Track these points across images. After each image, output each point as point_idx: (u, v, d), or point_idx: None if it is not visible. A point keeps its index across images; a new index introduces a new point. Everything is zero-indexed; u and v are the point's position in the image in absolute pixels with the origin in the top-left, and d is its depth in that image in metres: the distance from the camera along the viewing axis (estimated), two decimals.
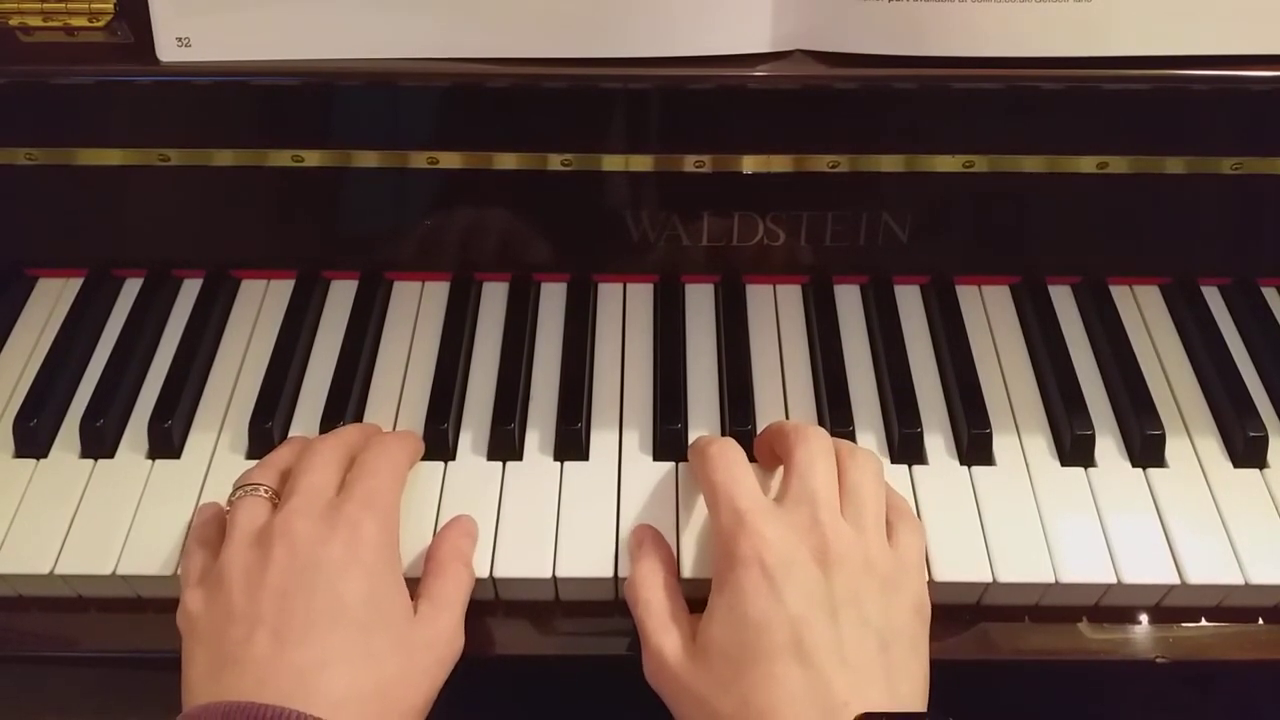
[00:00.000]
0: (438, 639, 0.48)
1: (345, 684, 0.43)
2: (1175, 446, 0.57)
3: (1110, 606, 0.53)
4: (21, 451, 0.57)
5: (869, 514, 0.48)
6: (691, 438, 0.57)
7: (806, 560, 0.46)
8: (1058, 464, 0.57)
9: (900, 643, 0.45)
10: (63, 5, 0.54)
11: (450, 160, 0.59)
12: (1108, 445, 0.58)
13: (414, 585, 0.50)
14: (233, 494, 0.51)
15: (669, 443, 0.57)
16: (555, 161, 0.59)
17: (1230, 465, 0.57)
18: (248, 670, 0.43)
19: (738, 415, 0.58)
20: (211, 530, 0.51)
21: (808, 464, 0.49)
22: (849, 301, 0.65)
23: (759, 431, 0.56)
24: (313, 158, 0.59)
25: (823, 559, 0.46)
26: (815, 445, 0.50)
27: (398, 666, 0.45)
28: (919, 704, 0.45)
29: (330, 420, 0.58)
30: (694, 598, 0.49)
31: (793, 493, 0.48)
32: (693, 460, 0.53)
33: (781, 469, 0.51)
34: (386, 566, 0.48)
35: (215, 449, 0.58)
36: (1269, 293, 0.65)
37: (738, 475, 0.49)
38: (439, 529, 0.53)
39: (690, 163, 0.59)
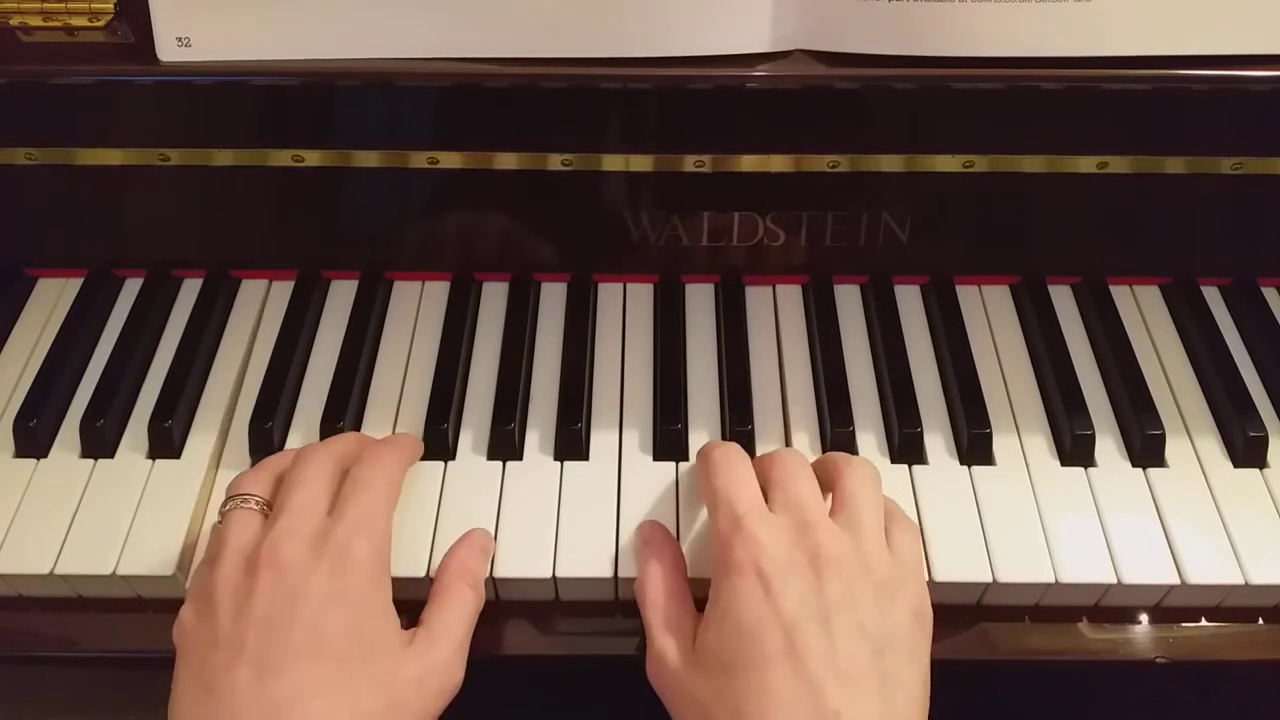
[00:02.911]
0: (427, 674, 0.47)
1: (321, 719, 0.43)
2: (1175, 446, 0.57)
3: (1110, 606, 0.53)
4: (21, 451, 0.57)
5: (865, 518, 0.48)
6: (691, 438, 0.57)
7: (802, 565, 0.45)
8: (1058, 464, 0.57)
9: (896, 650, 0.45)
10: (63, 5, 0.54)
11: (450, 160, 0.60)
12: (1108, 445, 0.58)
13: (413, 586, 0.50)
14: (224, 503, 0.50)
15: (669, 443, 0.57)
16: (555, 161, 0.59)
17: (1230, 465, 0.57)
18: (223, 699, 0.43)
19: (738, 415, 0.58)
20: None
21: (787, 478, 0.49)
22: (849, 301, 0.65)
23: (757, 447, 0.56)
24: (313, 158, 0.59)
25: (816, 563, 0.45)
26: (791, 462, 0.50)
27: (379, 703, 0.44)
28: (916, 714, 0.44)
29: (330, 420, 0.58)
30: (695, 597, 0.49)
31: (777, 504, 0.48)
32: (698, 466, 0.53)
33: None
34: (374, 595, 0.47)
35: (215, 449, 0.58)
36: (1269, 293, 0.65)
37: (737, 480, 0.49)
38: (451, 545, 0.52)
39: (690, 163, 0.59)
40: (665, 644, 0.47)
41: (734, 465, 0.50)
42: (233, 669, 0.43)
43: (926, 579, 0.51)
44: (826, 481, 0.51)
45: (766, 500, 0.49)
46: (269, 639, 0.44)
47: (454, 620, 0.49)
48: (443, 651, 0.48)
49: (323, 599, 0.45)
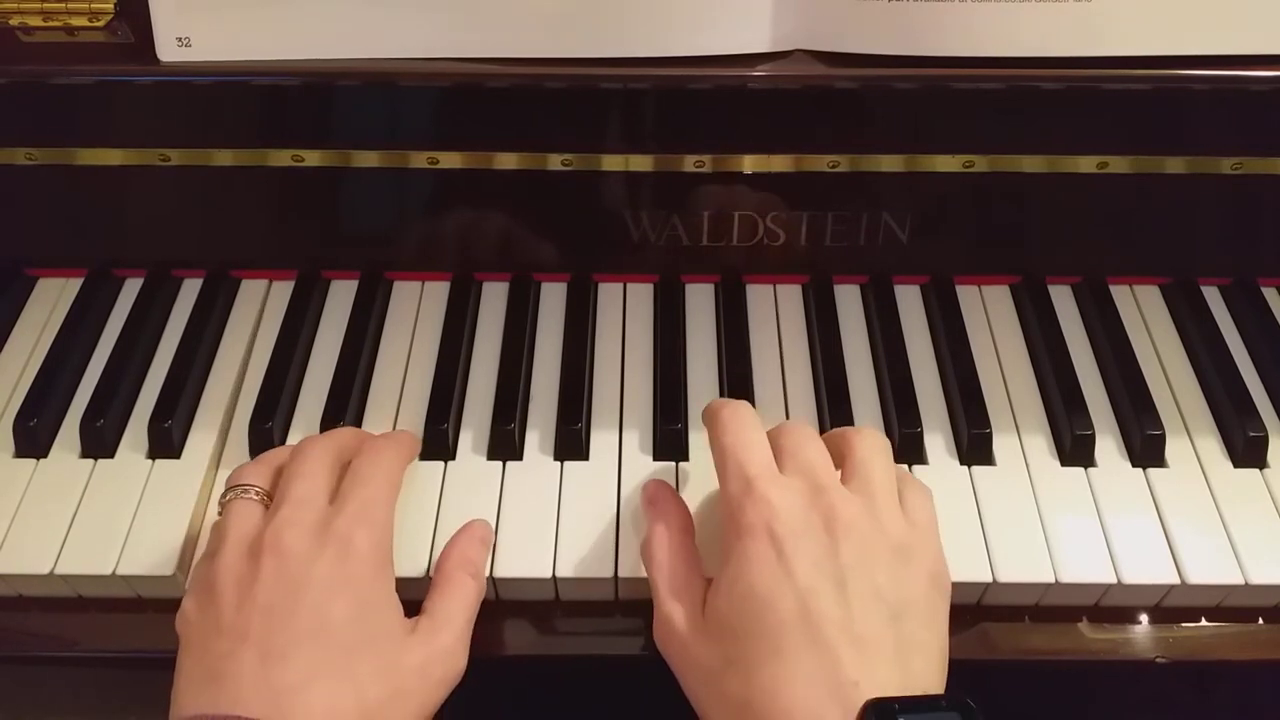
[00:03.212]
0: (430, 662, 0.47)
1: (325, 705, 0.43)
2: (1175, 446, 0.57)
3: (1110, 606, 0.53)
4: (21, 451, 0.57)
5: (878, 483, 0.47)
6: (692, 438, 0.57)
7: (816, 528, 0.44)
8: (1058, 464, 0.57)
9: (913, 614, 0.44)
10: (63, 5, 0.54)
11: (450, 160, 0.60)
12: (1108, 445, 0.58)
13: (413, 588, 0.50)
14: (224, 494, 0.50)
15: (669, 443, 0.57)
16: (555, 161, 0.59)
17: (1230, 465, 0.57)
18: (228, 684, 0.43)
19: None
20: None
21: (797, 446, 0.48)
22: (849, 301, 0.65)
23: None
24: (313, 158, 0.59)
25: (831, 526, 0.44)
26: (800, 432, 0.49)
27: (383, 690, 0.44)
28: (934, 680, 0.43)
29: (330, 420, 0.58)
30: None
31: (789, 468, 0.47)
32: (705, 423, 0.52)
33: None
34: (377, 584, 0.47)
35: (215, 449, 0.58)
36: (1269, 293, 0.65)
37: (747, 439, 0.48)
38: (451, 536, 0.52)
39: (690, 163, 0.59)
40: (673, 608, 0.46)
41: (744, 424, 0.49)
42: (236, 656, 0.43)
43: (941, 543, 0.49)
44: (836, 454, 0.49)
45: (778, 460, 0.48)
46: (272, 626, 0.44)
47: (456, 609, 0.49)
48: (446, 639, 0.48)
49: (326, 586, 0.45)
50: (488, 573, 0.52)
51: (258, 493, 0.49)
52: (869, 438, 0.49)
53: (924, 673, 0.43)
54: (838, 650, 0.42)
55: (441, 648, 0.47)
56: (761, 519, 0.44)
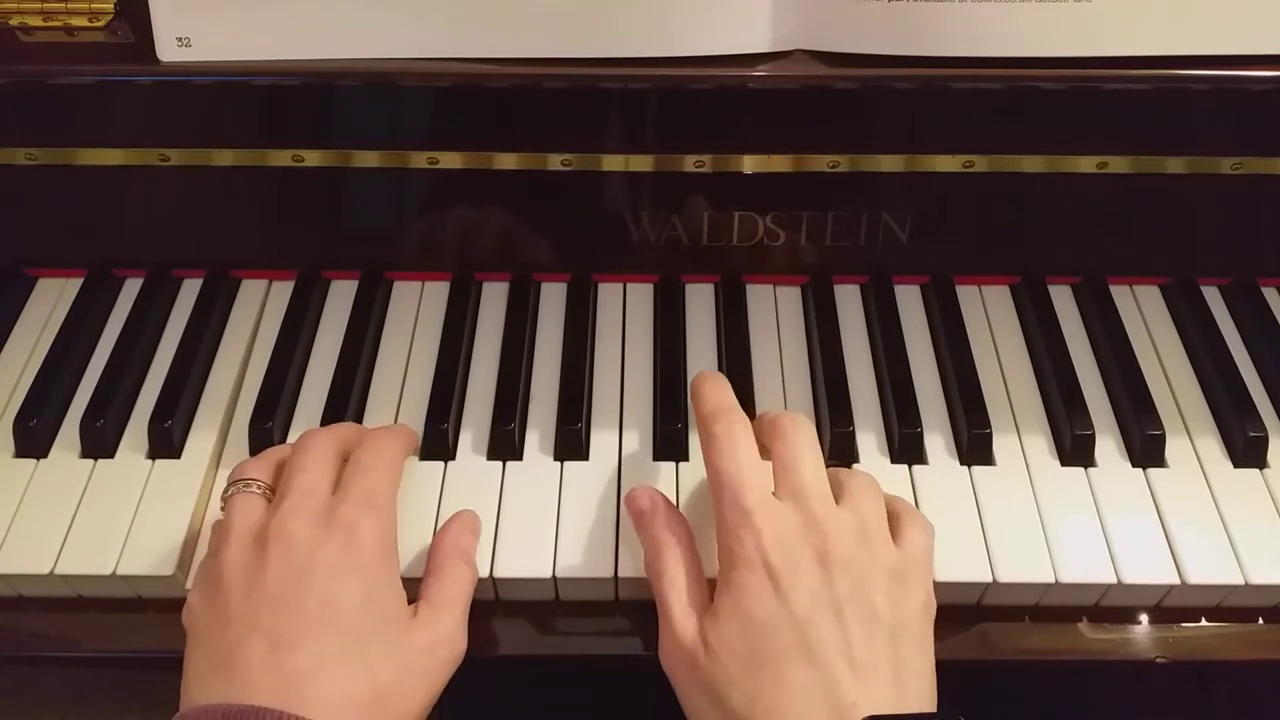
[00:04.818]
0: (436, 643, 0.47)
1: (338, 689, 0.43)
2: (1175, 446, 0.57)
3: (1110, 606, 0.53)
4: (21, 451, 0.57)
5: (869, 511, 0.48)
6: (692, 438, 0.57)
7: (810, 560, 0.45)
8: (1058, 464, 0.57)
9: (908, 637, 0.45)
10: (63, 5, 0.54)
11: (450, 160, 0.60)
12: (1108, 445, 0.58)
13: (413, 586, 0.50)
14: (226, 490, 0.50)
15: (669, 443, 0.57)
16: (555, 161, 0.59)
17: (1230, 465, 0.57)
18: (239, 673, 0.43)
19: None
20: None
21: (793, 458, 0.49)
22: (849, 301, 0.65)
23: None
24: (313, 158, 0.59)
25: (825, 559, 0.45)
26: (797, 440, 0.49)
27: (393, 672, 0.45)
28: (927, 700, 0.45)
29: (330, 420, 0.58)
30: None
31: (783, 490, 0.48)
32: (700, 434, 0.51)
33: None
34: (383, 569, 0.48)
35: (215, 449, 0.58)
36: (1269, 293, 0.65)
37: (743, 463, 0.48)
38: (440, 525, 0.53)
39: (690, 163, 0.59)
40: (686, 625, 0.46)
41: (739, 446, 0.49)
42: (246, 645, 0.43)
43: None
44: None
45: (773, 473, 0.49)
46: (281, 613, 0.44)
47: (455, 593, 0.49)
48: (448, 622, 0.48)
49: (333, 572, 0.45)
50: (487, 573, 0.52)
51: (260, 487, 0.50)
52: (862, 479, 0.50)
53: (917, 691, 0.44)
54: (836, 673, 0.43)
55: (446, 630, 0.48)
56: (758, 553, 0.45)
